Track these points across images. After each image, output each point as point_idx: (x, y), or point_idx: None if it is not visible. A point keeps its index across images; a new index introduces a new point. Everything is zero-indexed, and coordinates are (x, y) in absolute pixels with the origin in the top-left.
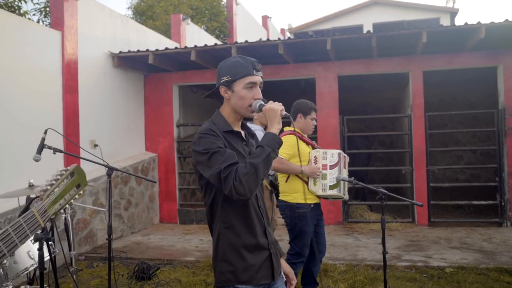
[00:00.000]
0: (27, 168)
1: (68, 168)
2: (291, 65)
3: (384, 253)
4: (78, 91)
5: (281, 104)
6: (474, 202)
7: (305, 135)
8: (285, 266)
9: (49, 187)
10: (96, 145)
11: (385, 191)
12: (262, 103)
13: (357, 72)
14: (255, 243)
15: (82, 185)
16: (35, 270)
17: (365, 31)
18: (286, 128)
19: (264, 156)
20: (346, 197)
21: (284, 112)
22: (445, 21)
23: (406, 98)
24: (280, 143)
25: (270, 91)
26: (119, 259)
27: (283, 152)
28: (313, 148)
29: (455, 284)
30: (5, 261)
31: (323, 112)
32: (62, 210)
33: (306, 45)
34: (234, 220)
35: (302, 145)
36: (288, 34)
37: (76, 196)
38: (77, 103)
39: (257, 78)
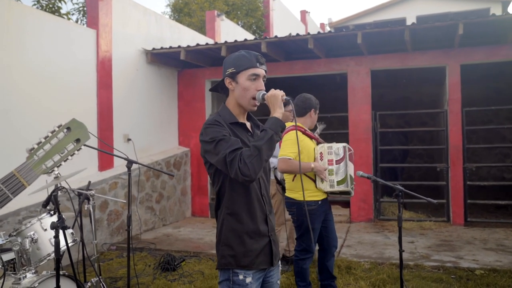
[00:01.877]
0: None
1: (62, 123)
2: (323, 60)
3: (401, 251)
4: (112, 87)
5: (283, 91)
6: None
7: (308, 130)
8: None
9: (35, 146)
10: (129, 140)
11: (401, 188)
12: (265, 92)
13: (390, 67)
14: (256, 230)
15: (83, 139)
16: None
17: (408, 23)
18: (288, 124)
19: (267, 138)
20: (352, 193)
21: (284, 97)
22: (496, 11)
23: (445, 93)
24: (282, 126)
25: (304, 86)
26: (148, 250)
27: (289, 151)
28: (318, 142)
29: (485, 287)
30: (28, 246)
31: (355, 107)
32: (56, 169)
33: (337, 39)
34: (238, 207)
35: (307, 140)
36: (328, 29)
37: (76, 152)
38: (111, 99)
39: (260, 71)
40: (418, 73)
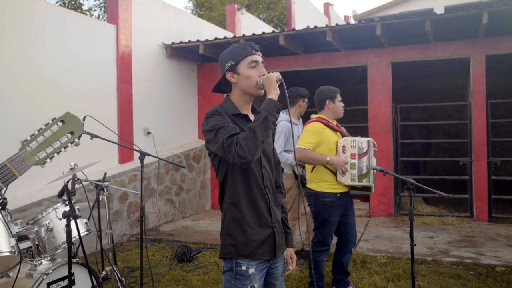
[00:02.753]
0: (78, 153)
1: (56, 116)
2: (342, 53)
3: (412, 245)
4: (132, 81)
5: (278, 73)
6: None
7: (334, 122)
8: (290, 251)
9: (28, 138)
10: (149, 133)
11: (413, 181)
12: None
13: (412, 58)
14: (257, 220)
15: (77, 132)
16: (77, 245)
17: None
18: (313, 116)
19: (261, 119)
20: (373, 189)
21: (279, 79)
22: None
23: (470, 85)
24: (278, 107)
25: (325, 79)
26: (166, 242)
27: (306, 142)
28: (342, 134)
29: (504, 284)
30: (43, 235)
31: (375, 100)
32: (49, 159)
33: (355, 31)
34: (239, 197)
35: (329, 132)
36: (353, 21)
37: (69, 144)
38: (131, 93)
39: (258, 57)
40: (443, 64)
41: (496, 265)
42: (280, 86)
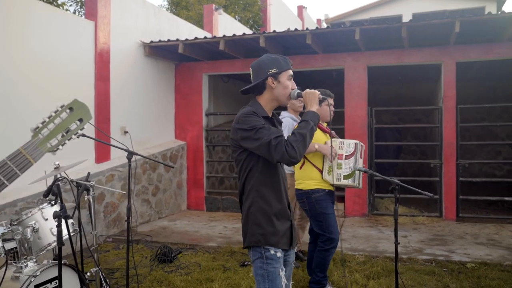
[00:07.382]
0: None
1: (64, 103)
2: (320, 56)
3: (396, 243)
4: (110, 79)
5: (318, 92)
6: (507, 198)
7: (324, 124)
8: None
9: (40, 125)
10: (126, 132)
11: (398, 181)
12: (299, 91)
13: (387, 63)
14: (282, 211)
15: (85, 119)
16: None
17: (405, 21)
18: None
19: (309, 127)
20: (360, 186)
21: (321, 96)
22: (491, 10)
23: (439, 90)
24: (318, 119)
25: (301, 82)
26: (144, 242)
27: None
28: (331, 136)
29: (475, 279)
30: (29, 236)
31: (351, 103)
32: (61, 146)
33: (335, 35)
34: (266, 190)
35: (318, 132)
36: (324, 25)
37: (79, 131)
38: (109, 91)
39: (292, 72)
40: (413, 70)
41: (467, 262)
42: (323, 102)
